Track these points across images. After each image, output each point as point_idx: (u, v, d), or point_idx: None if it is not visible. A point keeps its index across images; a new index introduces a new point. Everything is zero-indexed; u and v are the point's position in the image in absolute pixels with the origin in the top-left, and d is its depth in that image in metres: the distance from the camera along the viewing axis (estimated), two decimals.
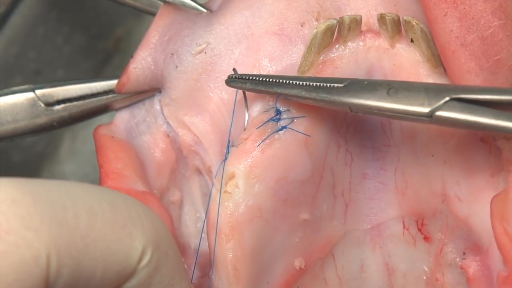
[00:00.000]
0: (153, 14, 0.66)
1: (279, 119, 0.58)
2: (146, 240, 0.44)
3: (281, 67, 0.61)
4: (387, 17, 0.58)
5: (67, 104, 0.67)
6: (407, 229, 0.63)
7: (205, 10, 0.65)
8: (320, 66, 0.59)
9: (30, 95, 0.66)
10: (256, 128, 0.58)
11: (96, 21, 0.94)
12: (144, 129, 0.66)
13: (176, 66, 0.63)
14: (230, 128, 0.61)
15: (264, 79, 0.58)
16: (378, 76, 0.59)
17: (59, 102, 0.67)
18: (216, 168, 0.62)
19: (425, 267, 0.63)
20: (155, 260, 0.44)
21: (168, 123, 0.66)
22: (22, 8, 0.85)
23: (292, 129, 0.58)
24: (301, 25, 0.61)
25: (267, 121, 0.58)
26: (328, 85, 0.56)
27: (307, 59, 0.59)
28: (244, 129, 0.60)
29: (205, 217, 0.59)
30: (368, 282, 0.64)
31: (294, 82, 0.57)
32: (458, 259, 0.61)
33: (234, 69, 0.61)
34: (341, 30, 0.59)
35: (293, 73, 0.60)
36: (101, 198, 0.43)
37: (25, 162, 0.90)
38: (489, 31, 0.54)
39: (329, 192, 0.61)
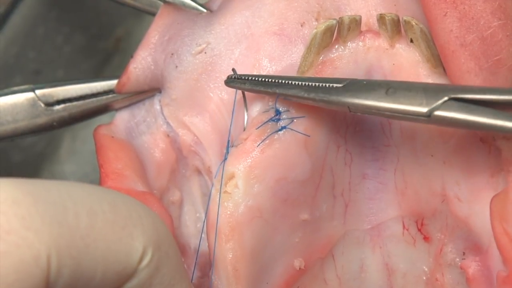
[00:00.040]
0: (153, 14, 0.66)
1: (278, 119, 0.58)
2: (146, 240, 0.44)
3: (281, 67, 0.61)
4: (386, 17, 0.58)
5: (67, 104, 0.67)
6: (407, 229, 0.63)
7: (205, 10, 0.65)
8: (319, 66, 0.59)
9: (30, 95, 0.66)
10: (256, 128, 0.58)
11: (96, 21, 0.94)
12: (144, 129, 0.66)
13: (176, 66, 0.63)
14: (230, 128, 0.61)
15: (263, 79, 0.58)
16: (377, 76, 0.59)
17: (59, 102, 0.67)
18: (216, 168, 0.62)
19: (424, 267, 0.63)
20: (155, 260, 0.44)
21: (168, 123, 0.66)
22: (22, 8, 0.85)
23: (292, 129, 0.58)
24: (301, 25, 0.61)
25: (267, 121, 0.58)
26: (327, 85, 0.56)
27: (306, 59, 0.59)
28: (244, 129, 0.60)
29: (205, 217, 0.59)
30: (368, 282, 0.64)
31: (293, 82, 0.57)
32: (457, 259, 0.61)
33: (233, 69, 0.61)
34: (341, 30, 0.59)
35: (293, 73, 0.60)
36: (102, 198, 0.43)
37: (25, 162, 0.90)
38: (489, 31, 0.54)
39: (328, 192, 0.61)
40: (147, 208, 0.46)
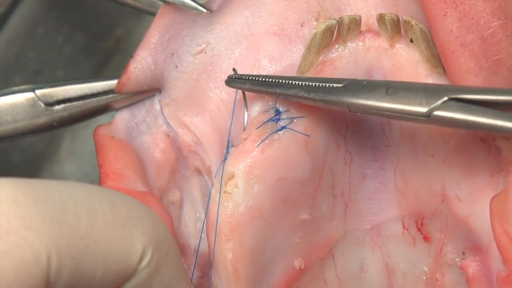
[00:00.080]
0: (153, 14, 0.66)
1: (278, 119, 0.58)
2: (146, 240, 0.44)
3: (281, 67, 0.61)
4: (386, 17, 0.58)
5: (67, 104, 0.67)
6: (407, 229, 0.63)
7: (205, 10, 0.65)
8: (319, 66, 0.59)
9: (30, 95, 0.66)
10: (256, 128, 0.58)
11: (96, 21, 0.94)
12: (144, 129, 0.66)
13: (176, 66, 0.63)
14: (230, 128, 0.61)
15: (263, 79, 0.58)
16: (377, 76, 0.59)
17: (59, 102, 0.67)
18: (216, 168, 0.62)
19: (424, 267, 0.63)
20: (155, 260, 0.44)
21: (168, 123, 0.66)
22: (22, 8, 0.85)
23: (292, 129, 0.58)
24: (301, 25, 0.61)
25: (267, 121, 0.58)
26: (328, 85, 0.56)
27: (306, 59, 0.59)
28: (244, 129, 0.60)
29: (205, 217, 0.59)
30: (368, 282, 0.64)
31: (294, 82, 0.57)
32: (457, 259, 0.61)
33: (234, 69, 0.61)
34: (341, 30, 0.59)
35: (293, 73, 0.60)
36: (102, 198, 0.43)
37: (25, 162, 0.90)
38: (489, 31, 0.54)
39: (328, 192, 0.61)
40: (147, 208, 0.46)
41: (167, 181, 0.66)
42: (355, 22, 0.58)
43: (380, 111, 0.53)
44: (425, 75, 0.58)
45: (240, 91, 0.61)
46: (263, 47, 0.61)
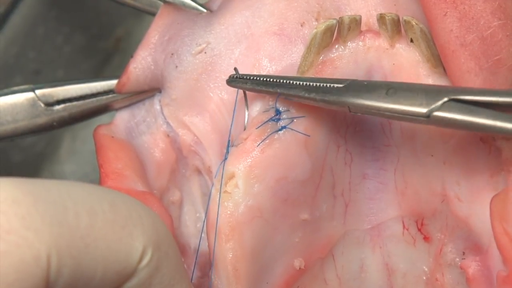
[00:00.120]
0: (153, 14, 0.66)
1: (278, 119, 0.58)
2: (146, 240, 0.44)
3: (281, 67, 0.61)
4: (386, 17, 0.58)
5: (67, 104, 0.67)
6: (407, 229, 0.63)
7: (205, 10, 0.65)
8: (319, 66, 0.59)
9: (30, 95, 0.66)
10: (256, 128, 0.58)
11: (96, 21, 0.94)
12: (144, 129, 0.66)
13: (176, 66, 0.63)
14: (231, 128, 0.61)
15: (264, 79, 0.58)
16: (378, 76, 0.59)
17: (59, 102, 0.67)
18: (216, 168, 0.62)
19: (424, 267, 0.63)
20: (155, 260, 0.44)
21: (168, 123, 0.66)
22: (22, 8, 0.85)
23: (292, 129, 0.58)
24: (301, 25, 0.61)
25: (267, 121, 0.58)
26: (328, 85, 0.56)
27: (306, 59, 0.59)
28: (244, 129, 0.60)
29: (205, 217, 0.59)
30: (368, 282, 0.64)
31: (294, 82, 0.57)
32: (457, 259, 0.61)
33: (235, 69, 0.61)
34: (341, 30, 0.59)
35: (293, 73, 0.60)
36: (102, 198, 0.43)
37: (25, 162, 0.90)
38: (489, 31, 0.54)
39: (329, 192, 0.61)
40: (147, 208, 0.46)
41: (167, 181, 0.66)
42: (355, 22, 0.58)
43: (380, 112, 0.54)
44: (425, 75, 0.58)
45: (240, 91, 0.61)
46: (263, 47, 0.61)
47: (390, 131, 0.61)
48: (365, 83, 0.55)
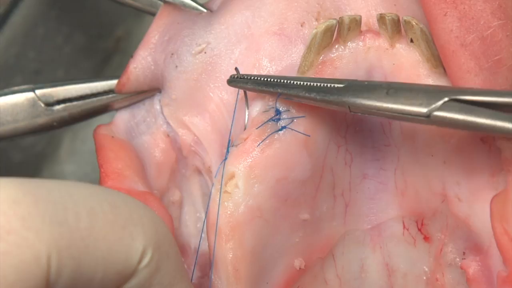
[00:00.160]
0: (153, 14, 0.66)
1: (279, 119, 0.58)
2: (146, 240, 0.44)
3: (281, 67, 0.61)
4: (386, 17, 0.58)
5: (67, 104, 0.67)
6: (407, 229, 0.63)
7: (205, 10, 0.65)
8: (320, 66, 0.59)
9: (30, 95, 0.66)
10: (256, 128, 0.58)
11: (96, 21, 0.94)
12: (144, 129, 0.66)
13: (176, 66, 0.63)
14: (231, 128, 0.61)
15: (265, 79, 0.58)
16: (378, 76, 0.59)
17: (59, 102, 0.67)
18: (216, 168, 0.62)
19: (425, 267, 0.63)
20: (155, 261, 0.44)
21: (168, 123, 0.66)
22: (22, 8, 0.85)
23: (292, 129, 0.58)
24: (301, 25, 0.61)
25: (267, 121, 0.58)
26: (329, 85, 0.56)
27: (307, 59, 0.59)
28: (244, 129, 0.60)
29: (205, 217, 0.59)
30: (368, 282, 0.64)
31: (295, 82, 0.57)
32: (458, 259, 0.61)
33: (236, 69, 0.61)
34: (341, 30, 0.59)
35: (293, 73, 0.60)
36: (102, 198, 0.43)
37: (25, 162, 0.90)
38: (489, 31, 0.54)
39: (329, 192, 0.61)
40: (148, 208, 0.46)
41: (167, 181, 0.66)
42: (356, 22, 0.58)
43: (380, 111, 0.53)
44: (425, 75, 0.58)
45: (241, 91, 0.61)
46: (263, 47, 0.61)
47: (390, 131, 0.61)
48: (366, 83, 0.55)
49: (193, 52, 0.63)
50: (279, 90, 0.57)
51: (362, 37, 0.59)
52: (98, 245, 0.41)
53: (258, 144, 0.57)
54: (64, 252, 0.40)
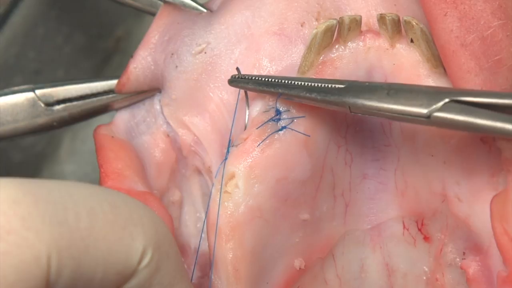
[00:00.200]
0: (153, 14, 0.66)
1: (279, 119, 0.58)
2: (146, 240, 0.44)
3: (281, 67, 0.61)
4: (387, 17, 0.58)
5: (67, 104, 0.67)
6: (407, 229, 0.63)
7: (205, 10, 0.65)
8: (320, 66, 0.59)
9: (30, 95, 0.66)
10: (256, 128, 0.58)
11: (96, 21, 0.94)
12: (144, 129, 0.66)
13: (176, 66, 0.63)
14: (231, 128, 0.61)
15: (266, 79, 0.58)
16: (378, 76, 0.59)
17: (59, 102, 0.67)
18: (216, 168, 0.62)
19: (425, 267, 0.63)
20: (155, 261, 0.44)
21: (168, 123, 0.66)
22: (22, 8, 0.85)
23: (292, 129, 0.58)
24: (301, 25, 0.61)
25: (267, 121, 0.58)
26: (329, 85, 0.56)
27: (307, 59, 0.59)
28: (245, 129, 0.60)
29: (205, 217, 0.59)
30: (368, 282, 0.64)
31: (296, 83, 0.57)
32: (458, 259, 0.61)
33: (237, 69, 0.61)
34: (341, 30, 0.59)
35: (293, 73, 0.60)
36: (102, 198, 0.43)
37: (25, 162, 0.90)
38: (489, 31, 0.54)
39: (329, 192, 0.61)
40: (148, 208, 0.46)
41: (167, 181, 0.66)
42: (356, 22, 0.58)
43: (381, 112, 0.54)
44: (425, 75, 0.58)
45: (242, 91, 0.61)
46: (263, 47, 0.61)
47: (390, 131, 0.61)
48: (366, 84, 0.55)
49: (193, 52, 0.63)
50: (279, 90, 0.57)
51: (362, 37, 0.59)
52: (98, 245, 0.41)
53: (258, 144, 0.57)
54: (64, 252, 0.40)
